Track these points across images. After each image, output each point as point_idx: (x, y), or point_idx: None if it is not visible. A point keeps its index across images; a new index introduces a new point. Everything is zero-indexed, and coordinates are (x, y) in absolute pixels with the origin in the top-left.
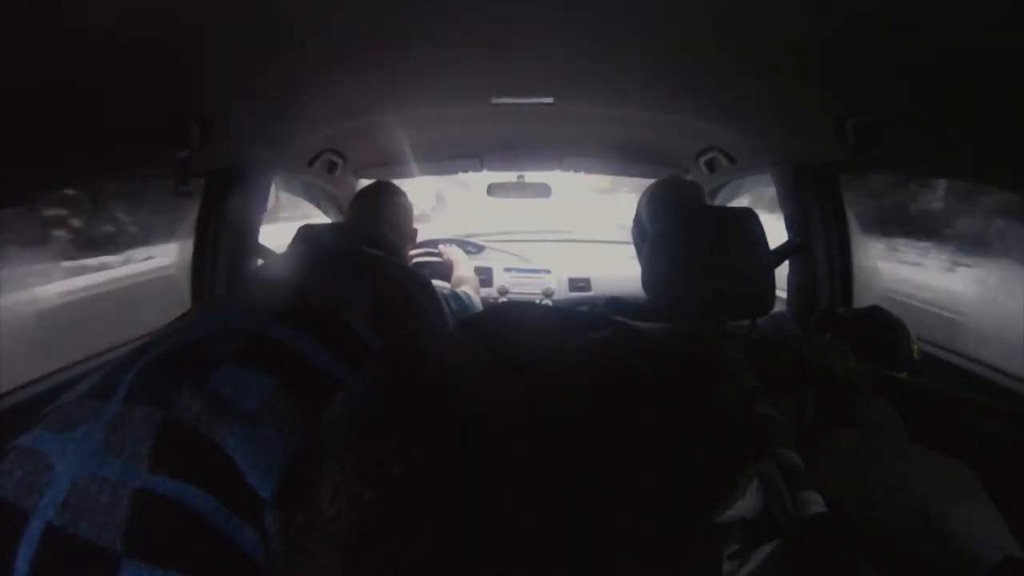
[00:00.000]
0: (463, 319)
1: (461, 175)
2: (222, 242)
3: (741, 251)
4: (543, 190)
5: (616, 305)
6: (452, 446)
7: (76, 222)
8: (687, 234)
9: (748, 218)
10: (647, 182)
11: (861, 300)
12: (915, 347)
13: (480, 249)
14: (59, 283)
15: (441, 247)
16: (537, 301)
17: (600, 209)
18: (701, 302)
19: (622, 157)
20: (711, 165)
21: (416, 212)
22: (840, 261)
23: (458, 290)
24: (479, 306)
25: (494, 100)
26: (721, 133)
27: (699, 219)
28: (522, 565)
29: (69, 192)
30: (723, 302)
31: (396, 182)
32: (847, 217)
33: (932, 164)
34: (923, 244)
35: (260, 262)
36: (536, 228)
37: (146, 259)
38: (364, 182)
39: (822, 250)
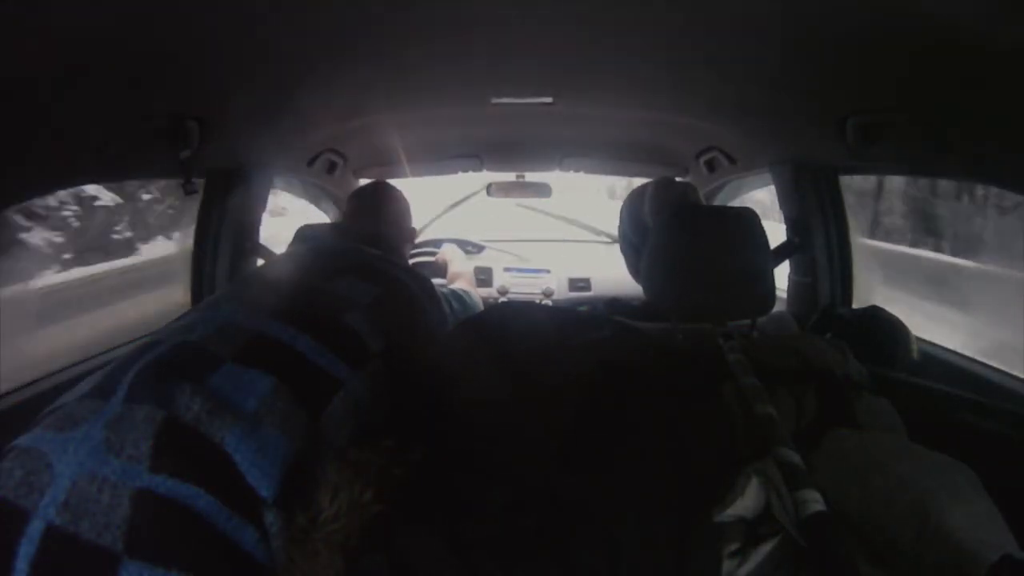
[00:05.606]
0: (463, 319)
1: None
2: (222, 242)
3: (741, 251)
4: (543, 190)
5: (616, 305)
6: (452, 446)
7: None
8: (687, 234)
9: (748, 218)
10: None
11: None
12: (914, 347)
13: (480, 249)
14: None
15: (440, 247)
16: (537, 301)
17: (601, 209)
18: (701, 302)
19: (622, 157)
20: (711, 165)
21: None
22: (840, 261)
23: (458, 290)
24: (479, 306)
25: (494, 100)
26: (721, 133)
27: (699, 219)
28: (522, 565)
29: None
30: (723, 302)
31: (394, 182)
32: (847, 217)
33: (932, 164)
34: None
35: (260, 262)
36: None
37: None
38: (364, 182)
39: (822, 250)
